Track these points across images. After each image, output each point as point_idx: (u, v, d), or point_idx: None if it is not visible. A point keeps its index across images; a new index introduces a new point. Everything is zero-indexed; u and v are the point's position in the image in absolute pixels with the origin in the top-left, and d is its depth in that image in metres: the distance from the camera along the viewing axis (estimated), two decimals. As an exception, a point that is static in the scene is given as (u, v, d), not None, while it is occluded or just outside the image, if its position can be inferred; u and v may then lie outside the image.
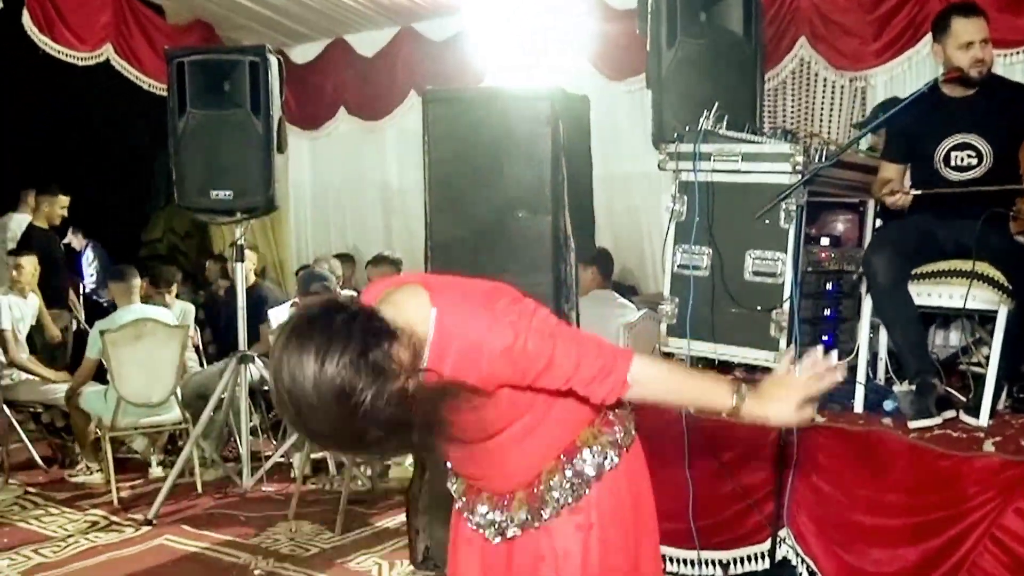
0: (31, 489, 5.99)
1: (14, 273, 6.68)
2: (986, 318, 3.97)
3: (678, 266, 4.25)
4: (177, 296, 7.30)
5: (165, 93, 7.65)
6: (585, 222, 4.55)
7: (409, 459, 5.52)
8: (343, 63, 8.19)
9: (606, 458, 2.15)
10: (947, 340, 4.47)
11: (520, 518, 2.15)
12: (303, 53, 8.21)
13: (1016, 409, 3.87)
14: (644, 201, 6.96)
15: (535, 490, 2.14)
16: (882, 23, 5.53)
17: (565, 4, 6.74)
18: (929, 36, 5.19)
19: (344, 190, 8.68)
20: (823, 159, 3.89)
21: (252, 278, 6.91)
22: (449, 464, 2.33)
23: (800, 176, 3.79)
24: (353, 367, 1.69)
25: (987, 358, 4.05)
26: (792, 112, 6.03)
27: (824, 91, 5.90)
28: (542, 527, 2.14)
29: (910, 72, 5.53)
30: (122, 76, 7.75)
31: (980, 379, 3.93)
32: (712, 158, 4.10)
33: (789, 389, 2.01)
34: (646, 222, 7.00)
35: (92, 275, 9.38)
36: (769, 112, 5.74)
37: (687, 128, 4.25)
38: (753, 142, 4.04)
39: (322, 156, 8.70)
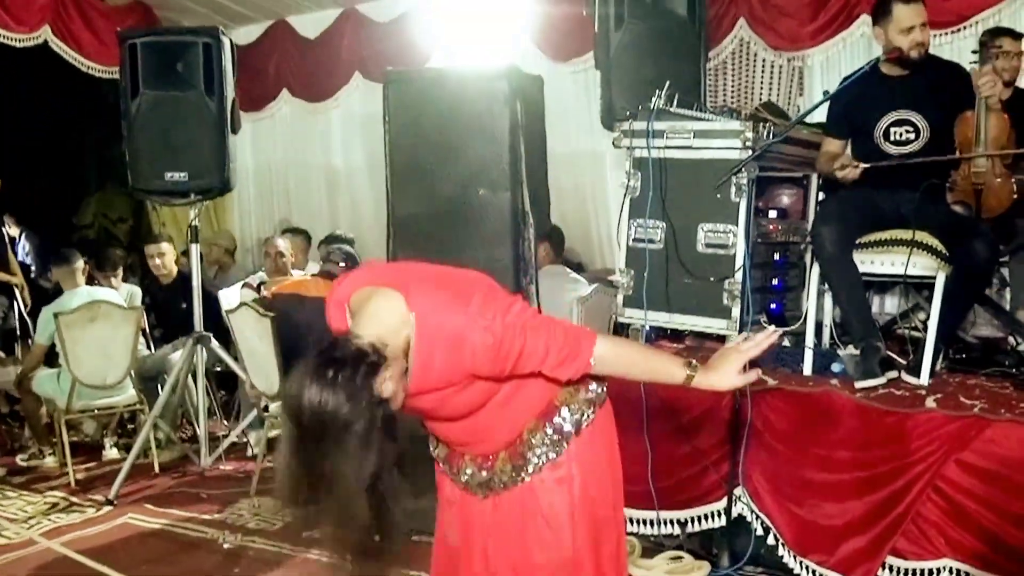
0: (-18, 474, 5.95)
1: None
2: (921, 285, 4.23)
3: (633, 240, 4.42)
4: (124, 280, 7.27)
5: (102, 75, 7.74)
6: (540, 199, 4.68)
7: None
8: (285, 45, 8.19)
9: (583, 415, 2.30)
10: (883, 307, 4.73)
11: (505, 476, 2.29)
12: (245, 35, 8.18)
13: (952, 369, 4.11)
14: (590, 179, 7.12)
15: (517, 448, 2.28)
16: (818, 5, 5.75)
17: (509, -14, 6.85)
18: (863, 17, 5.51)
19: (288, 172, 8.68)
20: (771, 136, 4.08)
21: (174, 269, 6.89)
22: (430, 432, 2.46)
23: (751, 152, 3.98)
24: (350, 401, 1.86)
25: (923, 322, 4.31)
26: (732, 91, 6.22)
27: (763, 71, 6.10)
28: (525, 484, 2.28)
29: (844, 52, 5.76)
30: (51, 58, 7.64)
31: (917, 342, 4.18)
32: (665, 135, 4.28)
33: (732, 357, 2.24)
34: (592, 200, 7.16)
35: (29, 263, 9.25)
36: (710, 91, 5.92)
37: (639, 107, 4.42)
38: (704, 120, 4.22)
39: (265, 138, 8.69)
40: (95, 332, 5.76)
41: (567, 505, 2.28)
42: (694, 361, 2.24)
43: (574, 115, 6.91)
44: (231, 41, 5.67)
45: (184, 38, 5.61)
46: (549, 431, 2.27)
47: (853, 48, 5.72)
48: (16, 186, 7.96)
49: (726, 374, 2.22)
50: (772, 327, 2.29)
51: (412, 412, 2.18)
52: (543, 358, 2.11)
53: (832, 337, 4.33)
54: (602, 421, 2.36)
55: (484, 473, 2.32)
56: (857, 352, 3.97)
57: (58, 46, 7.53)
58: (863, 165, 4.00)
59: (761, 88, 6.12)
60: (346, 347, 1.92)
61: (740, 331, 4.00)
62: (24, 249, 9.05)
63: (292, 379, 1.90)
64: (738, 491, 4.04)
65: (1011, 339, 4.30)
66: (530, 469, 2.27)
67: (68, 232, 11.21)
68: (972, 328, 4.41)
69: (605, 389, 2.38)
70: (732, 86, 6.23)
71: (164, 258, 6.79)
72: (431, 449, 2.47)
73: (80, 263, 6.26)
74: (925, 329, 4.21)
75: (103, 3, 7.90)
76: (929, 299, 4.17)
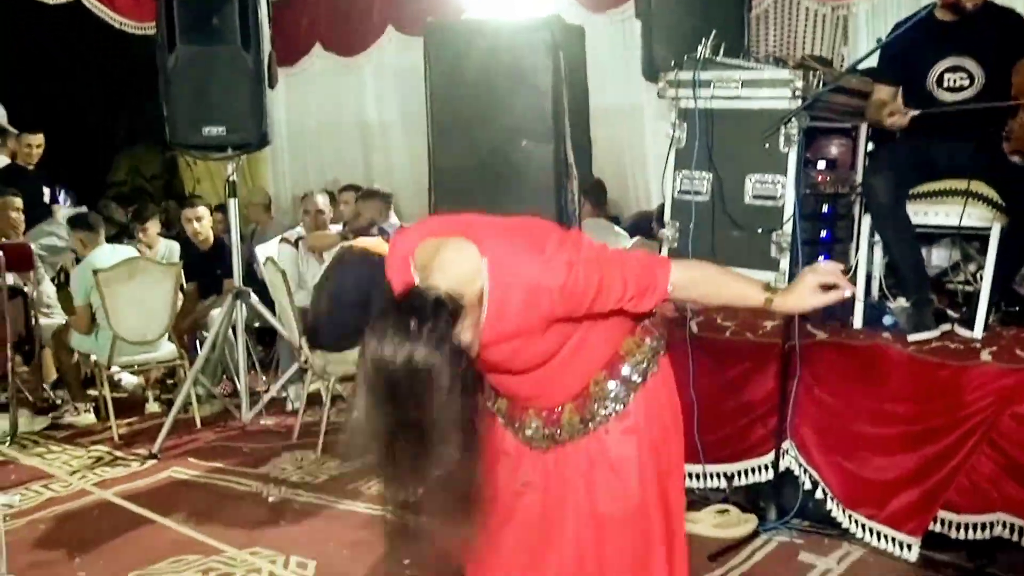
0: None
1: None
2: (972, 236, 4.15)
3: (679, 192, 4.35)
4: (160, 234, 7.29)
5: (135, 31, 7.69)
6: (583, 152, 4.62)
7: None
8: (318, -2, 8.15)
9: (648, 365, 2.28)
10: (930, 259, 4.64)
11: (572, 429, 2.26)
12: (277, -11, 8.11)
13: (1005, 322, 4.02)
14: (626, 132, 7.03)
15: (584, 400, 2.25)
16: (864, -50, 5.62)
17: (545, -66, 6.73)
18: None
19: (321, 127, 8.64)
20: (821, 85, 3.99)
21: (211, 235, 6.90)
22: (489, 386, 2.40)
23: (801, 101, 3.90)
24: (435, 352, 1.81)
25: (973, 275, 4.24)
26: (775, 42, 6.10)
27: (806, 20, 5.97)
28: (591, 434, 2.25)
29: (892, 1, 5.63)
30: (81, 15, 7.60)
31: (968, 295, 4.12)
32: (712, 85, 4.18)
33: (808, 277, 2.16)
34: (628, 154, 7.08)
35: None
36: (752, 42, 5.80)
37: (684, 57, 4.33)
38: (752, 69, 4.13)
39: (297, 93, 8.63)
40: (134, 288, 5.77)
41: (635, 454, 2.25)
42: (772, 284, 2.19)
43: (611, 67, 6.80)
44: (267, -6, 5.61)
45: (220, -10, 5.55)
46: (616, 382, 2.25)
47: (901, -4, 5.59)
48: (50, 143, 7.97)
49: (801, 295, 2.15)
50: (851, 290, 2.19)
51: (483, 367, 2.13)
52: (622, 291, 2.07)
53: (881, 289, 4.26)
54: (665, 370, 2.34)
55: (549, 428, 2.28)
56: (908, 305, 3.91)
57: (91, 3, 7.49)
58: (912, 112, 3.91)
59: (804, 38, 6.00)
60: (424, 297, 1.87)
61: (788, 283, 3.94)
62: (65, 204, 9.00)
63: (370, 335, 1.84)
64: (786, 444, 4.01)
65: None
66: (597, 420, 2.25)
67: (101, 189, 11.26)
68: (1024, 281, 4.33)
69: (665, 339, 2.35)
70: (774, 37, 6.11)
71: (201, 223, 6.79)
72: (488, 403, 2.40)
73: (102, 227, 6.23)
74: (975, 281, 4.15)
75: (136, -43, 7.85)
76: (981, 251, 4.10)
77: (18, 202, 6.84)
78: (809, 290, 2.14)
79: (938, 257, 4.64)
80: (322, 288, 5.26)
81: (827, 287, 2.13)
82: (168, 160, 11.14)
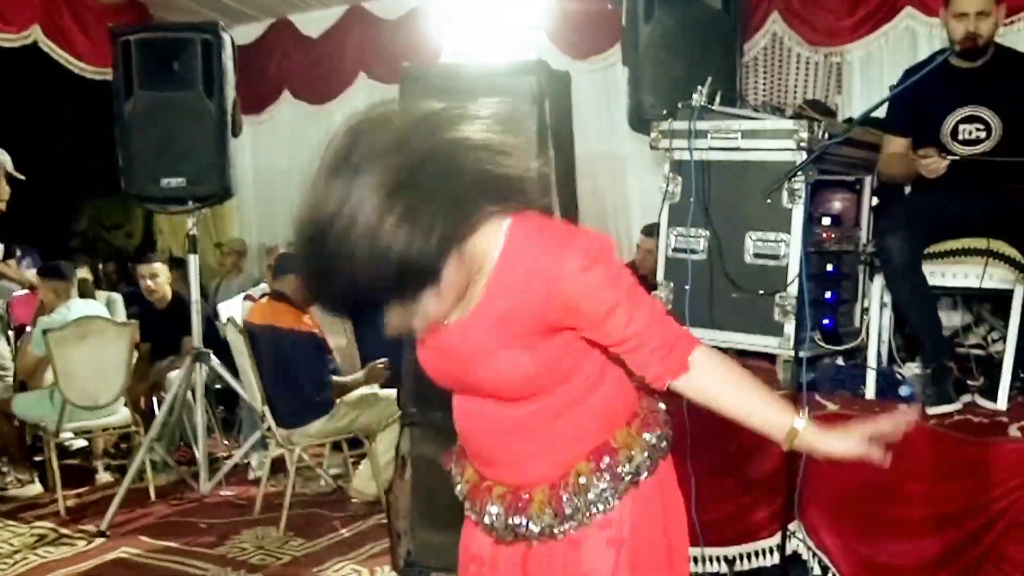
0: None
1: None
2: (984, 297, 3.87)
3: (673, 249, 4.04)
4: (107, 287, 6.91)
5: (96, 76, 7.36)
6: (570, 204, 4.32)
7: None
8: (287, 44, 7.83)
9: (643, 464, 1.90)
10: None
11: (543, 523, 1.88)
12: (244, 34, 7.78)
13: (1027, 391, 3.74)
14: (609, 183, 6.75)
15: (561, 491, 1.87)
16: (857, -2, 5.41)
17: (523, -21, 6.51)
18: (907, 10, 5.22)
19: (290, 176, 8.26)
20: (824, 135, 3.71)
21: (167, 292, 6.47)
22: (454, 457, 2.07)
23: (806, 153, 3.61)
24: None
25: (984, 338, 3.96)
26: (765, 89, 5.85)
27: (798, 67, 5.74)
28: (567, 538, 1.89)
29: (887, 47, 5.41)
30: (46, 60, 7.28)
31: (981, 361, 3.83)
32: (708, 136, 3.90)
33: (861, 426, 1.84)
34: (611, 204, 6.79)
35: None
36: (743, 89, 5.56)
37: (679, 105, 4.04)
38: (754, 118, 3.85)
39: (265, 141, 8.28)
40: (87, 349, 5.38)
41: (609, 573, 1.87)
42: (807, 411, 1.86)
43: (591, 116, 6.53)
44: (231, 38, 5.30)
45: (181, 35, 5.23)
46: (604, 476, 1.86)
47: (896, 43, 5.37)
48: (14, 193, 7.60)
49: (846, 438, 1.82)
50: (907, 407, 1.85)
51: (458, 372, 1.85)
52: (637, 328, 1.76)
53: (891, 355, 3.96)
54: (663, 477, 1.96)
55: (516, 518, 1.89)
56: (925, 373, 3.61)
57: (48, 47, 7.19)
58: (951, 156, 3.61)
59: (796, 86, 5.76)
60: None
61: (795, 349, 3.63)
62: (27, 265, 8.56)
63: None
64: (793, 526, 3.66)
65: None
66: (575, 521, 1.87)
67: (65, 239, 10.91)
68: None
69: (670, 439, 1.98)
70: (765, 84, 5.86)
71: (157, 280, 6.36)
72: (456, 488, 2.06)
73: (75, 276, 5.86)
74: (988, 345, 3.87)
75: (96, 2, 7.54)
76: (994, 313, 3.82)
77: None
78: (855, 438, 1.82)
79: (946, 319, 4.36)
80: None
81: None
82: (133, 210, 10.79)
